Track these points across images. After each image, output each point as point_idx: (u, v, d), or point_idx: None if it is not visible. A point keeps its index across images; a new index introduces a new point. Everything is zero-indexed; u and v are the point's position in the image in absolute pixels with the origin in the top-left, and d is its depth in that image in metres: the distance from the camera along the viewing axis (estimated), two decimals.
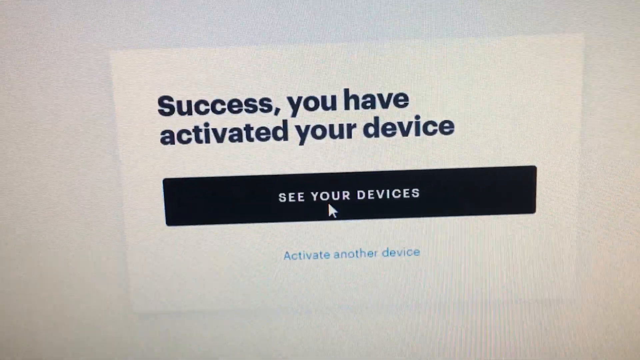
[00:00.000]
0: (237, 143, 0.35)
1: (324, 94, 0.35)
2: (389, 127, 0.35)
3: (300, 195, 0.36)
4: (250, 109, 0.35)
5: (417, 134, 0.35)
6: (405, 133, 0.35)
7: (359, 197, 0.36)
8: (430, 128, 0.35)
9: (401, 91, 0.35)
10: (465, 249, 0.37)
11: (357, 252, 0.37)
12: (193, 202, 0.36)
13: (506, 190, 0.36)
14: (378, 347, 0.39)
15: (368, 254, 0.37)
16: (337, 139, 0.35)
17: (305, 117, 0.35)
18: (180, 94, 0.35)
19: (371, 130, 0.35)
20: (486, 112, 0.35)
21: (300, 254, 0.37)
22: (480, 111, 0.35)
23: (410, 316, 0.38)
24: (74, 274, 0.38)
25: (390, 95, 0.35)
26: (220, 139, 0.35)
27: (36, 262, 0.37)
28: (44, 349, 0.39)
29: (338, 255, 0.37)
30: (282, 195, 0.36)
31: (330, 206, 0.36)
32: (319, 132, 0.35)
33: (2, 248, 0.37)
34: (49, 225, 0.37)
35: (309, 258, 0.37)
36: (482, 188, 0.36)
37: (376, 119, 0.35)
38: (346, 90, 0.35)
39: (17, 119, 0.35)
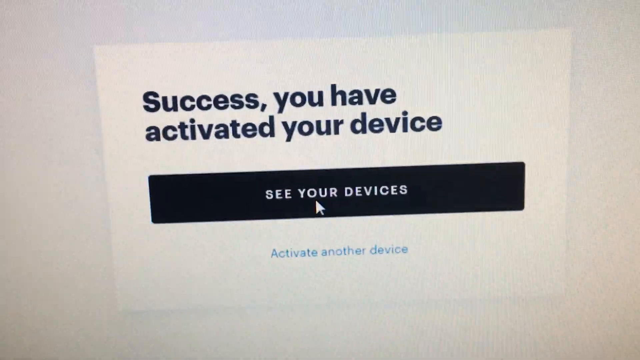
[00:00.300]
0: (223, 139, 0.35)
1: (310, 90, 0.34)
2: (376, 123, 0.35)
3: (288, 192, 0.36)
4: (237, 104, 0.35)
5: (405, 130, 0.35)
6: (392, 129, 0.35)
7: (346, 194, 0.36)
8: (418, 124, 0.35)
9: (388, 87, 0.34)
10: (453, 246, 0.37)
11: (344, 249, 0.37)
12: (179, 199, 0.36)
13: (494, 187, 0.36)
14: (366, 344, 0.39)
15: (356, 252, 0.37)
16: (324, 135, 0.35)
17: (292, 113, 0.35)
18: (165, 90, 0.34)
19: (358, 126, 0.35)
20: (474, 108, 0.35)
21: (287, 251, 0.37)
22: (468, 107, 0.35)
23: (399, 313, 0.38)
24: (58, 272, 0.37)
25: (377, 90, 0.35)
26: (206, 136, 0.35)
27: (20, 260, 0.37)
28: (29, 347, 0.39)
29: (326, 252, 0.37)
30: (269, 192, 0.36)
31: (317, 203, 0.36)
32: (305, 128, 0.35)
33: None
34: (32, 224, 0.36)
35: (296, 256, 0.37)
36: (470, 185, 0.36)
37: (363, 114, 0.35)
38: (333, 86, 0.34)
39: None
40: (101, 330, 0.38)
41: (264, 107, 0.35)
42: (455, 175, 0.36)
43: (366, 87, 0.34)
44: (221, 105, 0.34)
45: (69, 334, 0.38)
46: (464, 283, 0.37)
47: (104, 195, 0.36)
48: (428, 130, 0.35)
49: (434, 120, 0.35)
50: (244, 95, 0.34)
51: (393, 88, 0.35)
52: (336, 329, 0.39)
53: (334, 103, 0.35)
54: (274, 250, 0.37)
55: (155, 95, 0.34)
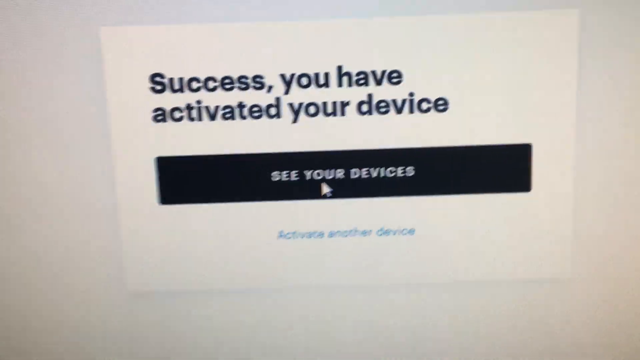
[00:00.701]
0: (230, 121, 0.35)
1: (317, 71, 0.34)
2: (382, 104, 0.35)
3: (294, 173, 0.36)
4: (243, 86, 0.35)
5: (411, 111, 0.35)
6: (399, 110, 0.35)
7: (353, 176, 0.36)
8: (425, 105, 0.35)
9: (395, 68, 0.34)
10: (460, 227, 0.37)
11: (351, 231, 0.37)
12: (186, 180, 0.36)
13: (501, 168, 0.36)
14: (373, 326, 0.39)
15: (362, 233, 0.37)
16: (331, 117, 0.35)
17: (298, 95, 0.35)
18: (172, 72, 0.34)
19: (365, 107, 0.35)
20: (481, 89, 0.35)
21: (294, 233, 0.37)
22: (475, 88, 0.35)
23: (405, 295, 0.38)
24: (67, 254, 0.37)
25: (383, 72, 0.34)
26: (212, 117, 0.35)
27: (29, 243, 0.37)
28: (38, 329, 0.39)
29: (332, 234, 0.37)
30: (276, 174, 0.36)
31: (324, 185, 0.36)
32: (312, 109, 0.35)
33: None
34: (41, 207, 0.37)
35: (303, 237, 0.37)
36: (477, 166, 0.36)
37: (370, 96, 0.35)
38: (339, 67, 0.34)
39: (4, 99, 0.35)
40: (110, 310, 0.38)
41: (270, 88, 0.35)
42: (462, 157, 0.35)
43: (372, 69, 0.34)
44: (228, 86, 0.34)
45: (77, 315, 0.39)
46: (470, 265, 0.37)
47: (112, 177, 0.36)
48: (435, 111, 0.35)
49: (441, 102, 0.35)
50: (250, 77, 0.34)
51: (399, 69, 0.34)
52: (342, 311, 0.39)
53: (340, 84, 0.35)
54: (281, 231, 0.37)
55: (162, 76, 0.34)
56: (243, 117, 0.35)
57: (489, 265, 0.37)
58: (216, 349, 0.39)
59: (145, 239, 0.37)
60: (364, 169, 0.36)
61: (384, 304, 0.39)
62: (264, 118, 0.35)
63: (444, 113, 0.35)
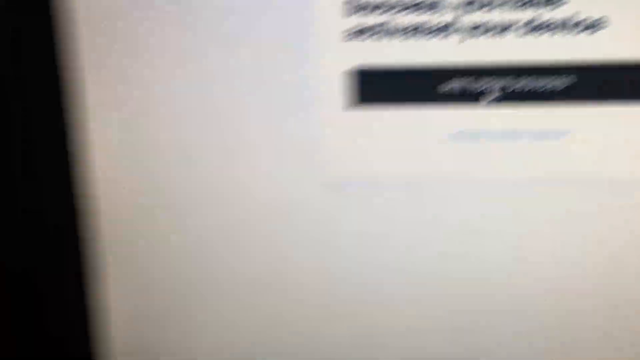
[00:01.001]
0: (413, 38, 0.41)
1: None
2: (547, 23, 0.39)
3: (465, 82, 0.41)
4: (423, 8, 0.40)
5: (574, 28, 0.39)
6: (562, 28, 0.39)
7: (516, 85, 0.41)
8: (587, 23, 0.39)
9: None
10: (613, 131, 0.41)
11: (513, 133, 0.42)
12: (373, 87, 0.42)
13: None
14: (530, 220, 0.44)
15: (523, 135, 0.42)
16: (500, 34, 0.40)
17: (470, 15, 0.40)
18: None
19: (531, 26, 0.40)
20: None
21: (463, 133, 0.42)
22: (634, 6, 0.39)
23: (559, 192, 0.43)
24: (265, 148, 0.44)
25: None
26: (399, 34, 0.41)
27: (229, 137, 0.44)
28: (238, 220, 0.46)
29: (496, 135, 0.42)
30: (449, 83, 0.41)
31: (491, 93, 0.41)
32: (484, 28, 0.40)
33: (200, 134, 0.44)
34: (244, 105, 0.44)
35: (471, 138, 0.42)
36: (630, 78, 0.40)
37: (536, 15, 0.39)
38: None
39: (215, 20, 0.42)
40: (305, 199, 0.45)
41: (444, 9, 0.40)
42: (617, 70, 0.40)
43: None
44: (411, 8, 0.40)
45: (275, 202, 0.45)
46: (623, 163, 0.42)
47: (311, 84, 0.43)
48: (595, 29, 0.39)
49: (602, 19, 0.39)
50: (428, 2, 0.40)
51: None
52: (501, 206, 0.44)
53: (508, 5, 0.39)
54: (452, 132, 0.42)
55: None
56: (424, 34, 0.41)
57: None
58: (392, 236, 0.46)
59: (335, 136, 0.43)
60: (526, 79, 0.41)
61: (539, 199, 0.44)
62: (441, 35, 0.41)
63: (605, 30, 0.39)
